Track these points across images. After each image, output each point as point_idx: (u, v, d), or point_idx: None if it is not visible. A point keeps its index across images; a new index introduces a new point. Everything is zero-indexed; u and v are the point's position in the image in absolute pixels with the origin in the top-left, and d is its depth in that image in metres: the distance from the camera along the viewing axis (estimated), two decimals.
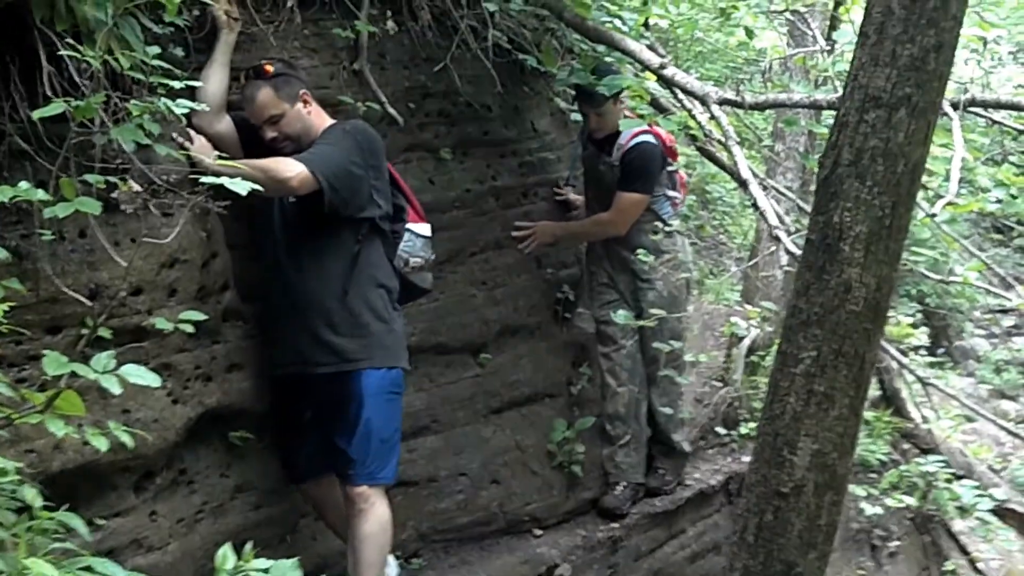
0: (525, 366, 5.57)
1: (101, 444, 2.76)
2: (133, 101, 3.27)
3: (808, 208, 3.90)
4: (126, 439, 2.82)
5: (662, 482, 6.01)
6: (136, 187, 3.33)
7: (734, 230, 10.97)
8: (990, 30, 4.63)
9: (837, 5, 6.39)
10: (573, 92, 5.63)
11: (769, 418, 3.32)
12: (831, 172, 3.15)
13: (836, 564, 7.05)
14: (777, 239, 4.23)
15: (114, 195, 3.28)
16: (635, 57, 4.97)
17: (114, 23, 3.23)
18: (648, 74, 4.92)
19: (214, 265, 3.87)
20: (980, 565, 7.88)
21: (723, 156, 5.69)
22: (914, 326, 7.97)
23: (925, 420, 7.37)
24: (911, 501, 6.72)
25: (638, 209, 5.54)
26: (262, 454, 4.24)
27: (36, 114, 3.04)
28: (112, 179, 3.23)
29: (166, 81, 3.30)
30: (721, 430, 6.94)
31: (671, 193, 5.71)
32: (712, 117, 4.69)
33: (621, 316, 5.28)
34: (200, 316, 3.30)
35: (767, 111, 7.33)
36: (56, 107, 3.01)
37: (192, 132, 3.76)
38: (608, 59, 5.27)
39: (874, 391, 8.08)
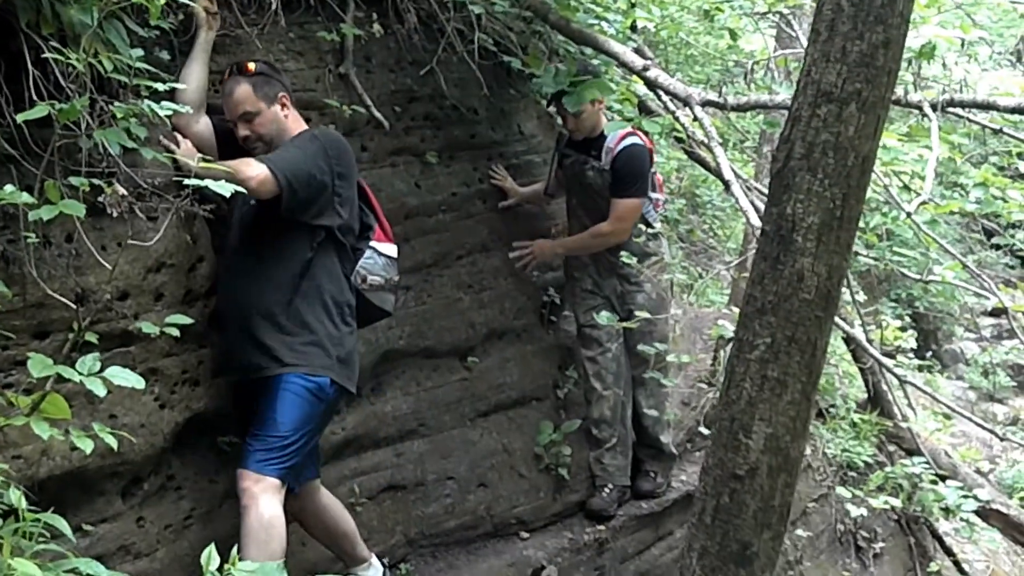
0: (512, 369, 5.57)
1: (86, 446, 2.77)
2: (118, 104, 3.27)
3: None
4: (111, 441, 2.82)
5: (654, 485, 5.95)
6: (122, 191, 3.33)
7: (724, 234, 11.00)
8: (970, 31, 4.67)
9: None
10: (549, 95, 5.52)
11: (726, 403, 3.39)
12: (784, 165, 3.22)
13: (822, 566, 7.07)
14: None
15: (100, 199, 3.28)
16: (619, 59, 4.99)
17: (99, 26, 3.23)
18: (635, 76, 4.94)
19: (200, 269, 3.86)
20: (965, 566, 7.92)
21: (709, 158, 5.71)
22: (903, 329, 8.00)
23: (905, 419, 7.40)
24: (896, 503, 6.73)
25: (637, 213, 5.48)
26: None
27: (21, 117, 3.03)
28: (98, 182, 3.23)
29: (151, 84, 3.31)
30: (707, 432, 6.94)
31: (654, 195, 5.66)
32: (695, 119, 4.70)
33: (604, 317, 5.21)
34: (187, 320, 3.32)
35: (757, 114, 7.35)
36: (41, 110, 3.01)
37: (178, 136, 3.76)
38: (594, 61, 5.29)
39: (861, 393, 8.12)
